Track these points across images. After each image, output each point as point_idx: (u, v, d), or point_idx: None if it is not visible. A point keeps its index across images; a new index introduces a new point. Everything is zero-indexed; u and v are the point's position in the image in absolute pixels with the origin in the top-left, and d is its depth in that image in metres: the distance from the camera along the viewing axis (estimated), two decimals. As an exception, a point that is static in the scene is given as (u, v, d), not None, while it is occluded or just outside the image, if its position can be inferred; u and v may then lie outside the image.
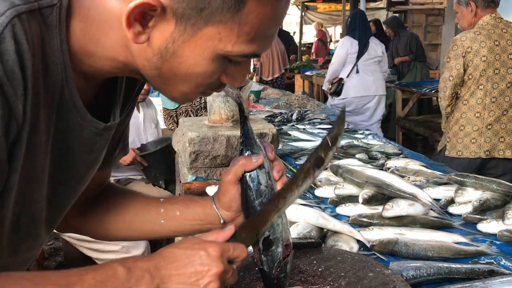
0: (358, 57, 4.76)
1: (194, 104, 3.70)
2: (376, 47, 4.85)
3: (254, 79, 7.19)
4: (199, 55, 0.66)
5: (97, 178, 0.94)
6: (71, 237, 2.57)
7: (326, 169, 1.60)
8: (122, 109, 0.86)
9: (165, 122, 3.85)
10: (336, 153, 2.35)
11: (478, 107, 2.88)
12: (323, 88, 5.58)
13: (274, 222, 0.82)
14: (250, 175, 0.84)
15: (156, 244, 2.83)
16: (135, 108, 3.24)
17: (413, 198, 1.57)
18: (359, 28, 4.80)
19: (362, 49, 4.74)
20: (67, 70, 0.66)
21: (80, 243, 2.55)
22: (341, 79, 4.87)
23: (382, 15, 11.29)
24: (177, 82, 0.69)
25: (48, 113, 0.66)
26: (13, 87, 0.57)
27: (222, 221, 0.92)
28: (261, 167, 0.84)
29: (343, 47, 4.88)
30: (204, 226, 0.95)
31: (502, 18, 2.93)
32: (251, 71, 7.01)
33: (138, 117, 3.28)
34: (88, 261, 2.61)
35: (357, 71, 4.78)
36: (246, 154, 0.86)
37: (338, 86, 4.87)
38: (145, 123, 3.34)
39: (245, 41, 0.65)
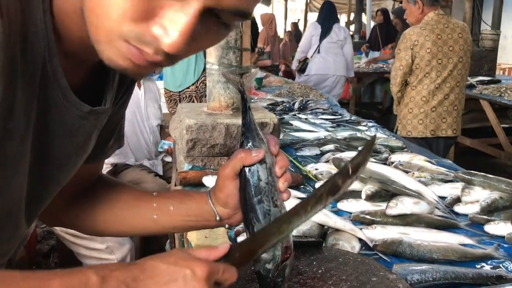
0: (320, 40, 5.43)
1: (199, 90, 3.60)
2: (338, 32, 5.47)
3: (254, 67, 7.06)
4: None
5: (87, 171, 0.88)
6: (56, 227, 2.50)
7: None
8: (116, 97, 0.79)
9: (167, 105, 3.73)
10: (338, 146, 2.28)
11: (424, 92, 3.30)
12: (292, 67, 6.18)
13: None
14: (249, 170, 0.78)
15: (148, 240, 2.77)
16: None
17: (419, 196, 1.50)
18: (323, 15, 5.55)
19: (324, 33, 5.42)
20: (51, 44, 0.58)
21: (65, 236, 2.48)
22: (306, 58, 5.58)
23: (389, 5, 11.14)
24: (99, 13, 0.54)
25: (27, 92, 0.58)
26: None
27: (218, 218, 0.87)
28: (262, 161, 0.78)
29: (308, 30, 5.73)
30: (198, 223, 0.90)
31: (444, 15, 3.36)
32: (256, 54, 6.88)
33: (138, 93, 3.20)
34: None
35: (319, 52, 5.45)
36: (246, 147, 0.80)
37: (303, 65, 5.60)
38: (146, 100, 3.25)
39: None
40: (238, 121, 1.87)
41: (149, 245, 2.87)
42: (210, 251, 0.69)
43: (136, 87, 3.21)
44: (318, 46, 5.45)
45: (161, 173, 3.26)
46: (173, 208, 0.88)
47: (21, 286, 0.53)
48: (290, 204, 0.83)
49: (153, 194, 0.91)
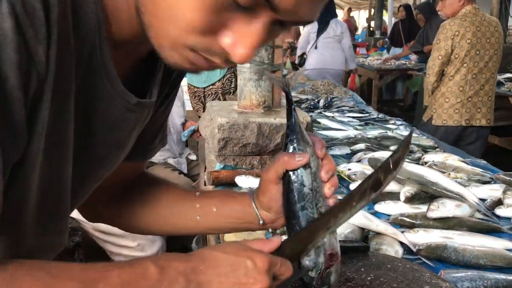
0: (317, 36, 5.57)
1: (225, 87, 3.57)
2: (335, 27, 5.60)
3: (288, 61, 7.05)
4: None
5: (131, 170, 0.86)
6: (86, 223, 2.46)
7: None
8: (161, 93, 0.76)
9: (191, 102, 3.69)
10: (369, 145, 2.24)
11: (462, 82, 3.37)
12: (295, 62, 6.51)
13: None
14: (292, 175, 0.75)
15: (172, 239, 2.75)
16: None
17: (460, 198, 1.45)
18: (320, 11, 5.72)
19: (321, 29, 5.53)
20: (101, 29, 0.55)
21: (95, 233, 2.45)
22: (303, 53, 5.79)
23: (409, 1, 10.97)
24: (164, 20, 0.52)
25: (76, 73, 0.54)
26: (33, 28, 0.45)
27: (261, 222, 0.84)
28: (306, 166, 0.74)
29: (306, 28, 5.87)
30: (241, 225, 0.87)
31: (479, 9, 3.45)
32: (287, 48, 6.88)
33: None
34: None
35: (316, 47, 5.61)
36: (290, 150, 0.76)
37: (301, 60, 5.82)
38: None
39: None
40: (270, 120, 1.84)
41: (173, 243, 2.86)
42: (264, 243, 0.67)
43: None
44: (315, 42, 5.60)
45: (185, 171, 3.24)
46: (216, 209, 0.86)
47: (79, 276, 0.52)
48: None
49: (196, 194, 0.89)
